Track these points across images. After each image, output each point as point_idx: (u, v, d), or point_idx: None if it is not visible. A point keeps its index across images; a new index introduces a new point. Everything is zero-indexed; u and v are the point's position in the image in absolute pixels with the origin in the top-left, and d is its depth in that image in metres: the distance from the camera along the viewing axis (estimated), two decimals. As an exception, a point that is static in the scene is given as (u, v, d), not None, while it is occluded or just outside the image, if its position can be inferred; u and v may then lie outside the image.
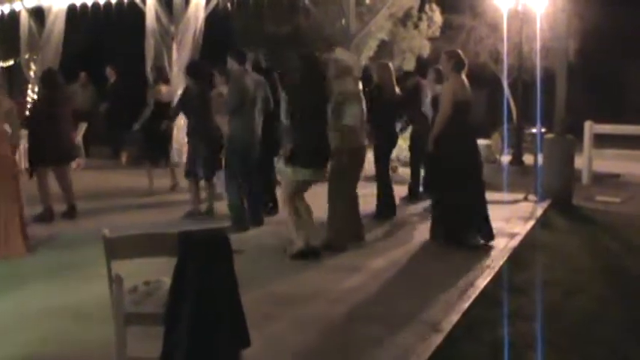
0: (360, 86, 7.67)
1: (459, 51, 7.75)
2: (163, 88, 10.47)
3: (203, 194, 8.83)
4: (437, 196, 7.69)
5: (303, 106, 6.62)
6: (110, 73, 14.42)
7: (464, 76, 7.49)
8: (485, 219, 7.45)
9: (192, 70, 8.70)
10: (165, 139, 10.15)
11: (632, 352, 4.73)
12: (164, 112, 9.78)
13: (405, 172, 11.00)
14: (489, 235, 7.42)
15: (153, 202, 9.77)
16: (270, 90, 8.44)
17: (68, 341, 4.56)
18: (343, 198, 7.24)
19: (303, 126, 6.61)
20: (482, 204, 7.55)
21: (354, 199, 7.44)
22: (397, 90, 8.81)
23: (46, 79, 8.50)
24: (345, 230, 7.24)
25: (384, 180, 8.80)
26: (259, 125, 8.08)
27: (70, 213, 8.45)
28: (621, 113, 18.01)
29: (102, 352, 4.11)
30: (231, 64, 7.96)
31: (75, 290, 5.61)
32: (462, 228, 7.39)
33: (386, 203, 8.78)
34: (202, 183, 8.78)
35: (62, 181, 8.42)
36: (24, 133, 8.80)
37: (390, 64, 9.19)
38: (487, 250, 7.16)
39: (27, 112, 12.86)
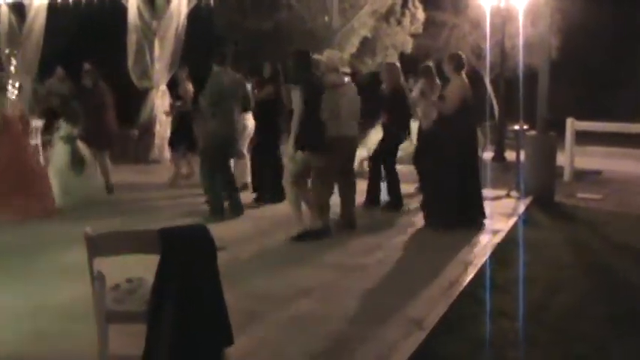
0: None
1: (460, 53, 8.39)
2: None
3: None
4: (433, 187, 8.19)
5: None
6: (88, 69, 14.22)
7: (464, 76, 8.05)
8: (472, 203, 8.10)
9: None
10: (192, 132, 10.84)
11: (614, 347, 4.76)
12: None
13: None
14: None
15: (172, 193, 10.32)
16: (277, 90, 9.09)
17: (51, 339, 4.52)
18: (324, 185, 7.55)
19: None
20: (478, 190, 8.30)
21: (331, 187, 7.73)
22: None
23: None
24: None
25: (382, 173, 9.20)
26: (238, 121, 8.68)
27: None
28: (604, 110, 18.11)
29: (84, 350, 4.07)
30: (214, 65, 8.36)
31: (59, 288, 5.57)
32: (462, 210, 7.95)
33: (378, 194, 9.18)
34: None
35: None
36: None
37: (398, 64, 9.44)
38: (471, 246, 7.21)
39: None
